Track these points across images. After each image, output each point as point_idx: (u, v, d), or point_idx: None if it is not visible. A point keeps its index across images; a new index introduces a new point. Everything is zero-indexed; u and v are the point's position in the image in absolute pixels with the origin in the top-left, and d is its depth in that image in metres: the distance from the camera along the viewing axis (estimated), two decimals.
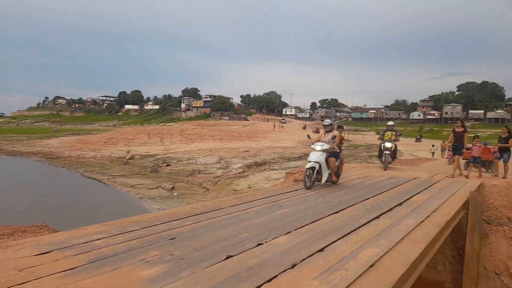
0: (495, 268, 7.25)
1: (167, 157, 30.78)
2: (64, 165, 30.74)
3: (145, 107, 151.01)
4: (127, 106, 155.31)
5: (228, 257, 3.41)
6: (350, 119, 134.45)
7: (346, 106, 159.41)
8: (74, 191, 20.17)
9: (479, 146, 11.24)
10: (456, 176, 10.57)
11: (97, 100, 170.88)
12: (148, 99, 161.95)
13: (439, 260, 7.99)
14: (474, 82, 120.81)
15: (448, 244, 8.02)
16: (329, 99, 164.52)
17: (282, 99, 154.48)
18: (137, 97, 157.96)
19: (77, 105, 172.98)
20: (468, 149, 11.48)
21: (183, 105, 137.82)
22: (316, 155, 7.50)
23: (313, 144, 7.93)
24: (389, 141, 11.91)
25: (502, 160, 10.81)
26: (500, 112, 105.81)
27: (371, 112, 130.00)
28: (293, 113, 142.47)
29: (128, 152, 35.68)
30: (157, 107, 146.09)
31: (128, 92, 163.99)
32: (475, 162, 11.02)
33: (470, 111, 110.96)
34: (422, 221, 5.13)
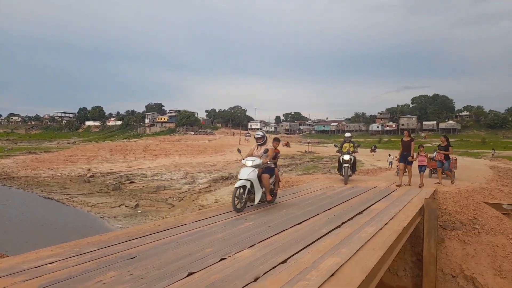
0: (451, 271, 7.59)
1: (131, 174, 29.90)
2: (19, 185, 28.97)
3: (107, 123, 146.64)
4: (87, 123, 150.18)
5: (190, 274, 3.35)
6: (313, 131, 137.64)
7: (309, 119, 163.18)
8: (29, 213, 19.00)
9: (424, 156, 11.51)
10: (413, 185, 11.01)
11: (56, 117, 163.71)
12: (110, 115, 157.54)
13: (400, 266, 8.26)
14: (427, 95, 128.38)
15: (408, 250, 8.32)
16: (293, 113, 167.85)
17: (247, 113, 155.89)
18: (98, 113, 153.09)
19: (33, 123, 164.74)
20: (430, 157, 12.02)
21: (147, 121, 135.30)
22: (247, 172, 6.59)
23: (243, 159, 6.96)
24: (347, 153, 11.42)
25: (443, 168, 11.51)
26: (451, 123, 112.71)
27: (333, 125, 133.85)
28: (258, 126, 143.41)
29: (89, 170, 34.28)
30: (119, 123, 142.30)
31: (89, 108, 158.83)
32: (420, 170, 11.22)
33: (424, 122, 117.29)
34: (381, 229, 5.31)
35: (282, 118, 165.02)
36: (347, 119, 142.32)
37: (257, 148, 7.32)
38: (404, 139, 11.25)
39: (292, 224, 5.45)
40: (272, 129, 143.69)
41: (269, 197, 7.03)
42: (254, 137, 7.50)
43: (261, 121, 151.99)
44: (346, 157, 11.36)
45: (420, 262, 7.71)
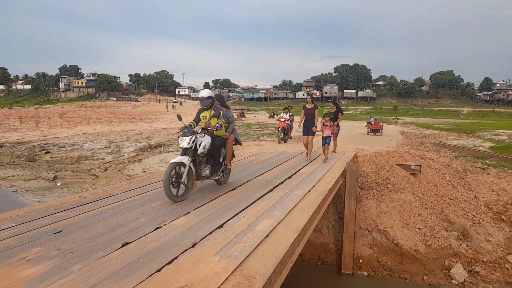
0: (367, 226, 8.47)
1: (46, 144, 27.34)
2: None
3: (14, 87, 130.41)
4: None
5: (125, 244, 3.27)
6: (242, 99, 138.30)
7: (238, 86, 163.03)
8: None
9: (330, 126, 9.86)
10: (312, 159, 9.41)
11: None
12: (17, 78, 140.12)
13: (324, 224, 8.97)
14: (348, 64, 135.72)
15: (331, 210, 9.04)
16: (222, 79, 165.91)
17: (174, 79, 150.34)
18: (2, 75, 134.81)
19: None
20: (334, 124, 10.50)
21: (61, 85, 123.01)
22: None
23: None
24: (188, 134, 5.17)
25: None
26: (368, 91, 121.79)
27: (261, 92, 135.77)
28: (186, 93, 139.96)
29: None
30: (29, 87, 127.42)
31: None
32: (325, 143, 9.55)
33: (345, 91, 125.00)
34: (309, 191, 5.66)
35: (211, 84, 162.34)
36: (275, 87, 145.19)
37: None
38: (307, 106, 9.52)
39: (226, 190, 5.55)
40: None
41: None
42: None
43: (190, 87, 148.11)
44: (184, 143, 5.12)
45: (341, 220, 8.44)
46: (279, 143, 13.37)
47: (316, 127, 9.37)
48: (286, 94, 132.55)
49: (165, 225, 3.85)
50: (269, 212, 4.40)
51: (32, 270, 2.73)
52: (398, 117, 57.74)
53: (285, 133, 13.64)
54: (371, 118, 29.75)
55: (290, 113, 14.04)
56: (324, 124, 9.82)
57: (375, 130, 28.08)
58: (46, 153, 24.21)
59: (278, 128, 13.90)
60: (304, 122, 9.54)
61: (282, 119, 13.81)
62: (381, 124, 28.65)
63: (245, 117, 55.94)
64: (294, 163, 8.69)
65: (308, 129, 9.47)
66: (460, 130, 33.62)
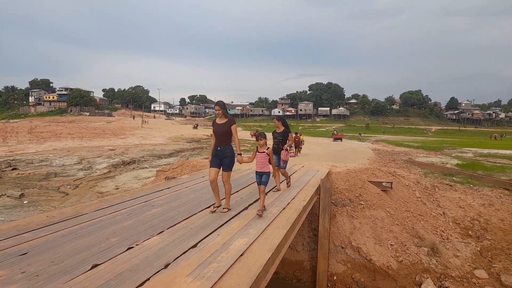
0: (341, 243, 8.56)
1: (13, 160, 26.24)
2: None
3: None
4: None
5: (94, 266, 3.18)
6: None
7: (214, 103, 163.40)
8: None
9: (286, 151, 7.31)
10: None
11: None
12: None
13: (299, 242, 8.99)
14: (322, 83, 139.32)
15: (306, 227, 9.08)
16: (198, 96, 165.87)
17: (150, 94, 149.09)
18: None
19: None
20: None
21: (31, 99, 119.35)
22: None
23: None
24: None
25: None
26: (341, 109, 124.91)
27: (238, 109, 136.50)
28: (162, 108, 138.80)
29: None
30: None
31: None
32: (260, 184, 5.69)
33: (319, 108, 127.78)
34: (284, 208, 5.70)
35: (187, 100, 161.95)
36: (251, 104, 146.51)
37: None
38: (218, 121, 5.61)
39: (201, 208, 5.50)
40: (177, 111, 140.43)
41: None
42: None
43: (165, 103, 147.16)
44: None
45: (316, 237, 8.49)
46: None
47: (241, 154, 5.67)
48: (262, 111, 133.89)
49: (137, 245, 3.77)
50: (244, 231, 4.39)
51: None
52: (361, 133, 64.92)
53: None
54: (335, 131, 53.88)
55: None
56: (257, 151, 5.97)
57: (337, 138, 46.46)
58: (12, 169, 23.21)
59: None
60: (215, 148, 5.57)
61: None
62: (341, 135, 49.69)
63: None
64: (269, 180, 8.71)
65: (221, 159, 5.53)
66: (429, 147, 34.84)
